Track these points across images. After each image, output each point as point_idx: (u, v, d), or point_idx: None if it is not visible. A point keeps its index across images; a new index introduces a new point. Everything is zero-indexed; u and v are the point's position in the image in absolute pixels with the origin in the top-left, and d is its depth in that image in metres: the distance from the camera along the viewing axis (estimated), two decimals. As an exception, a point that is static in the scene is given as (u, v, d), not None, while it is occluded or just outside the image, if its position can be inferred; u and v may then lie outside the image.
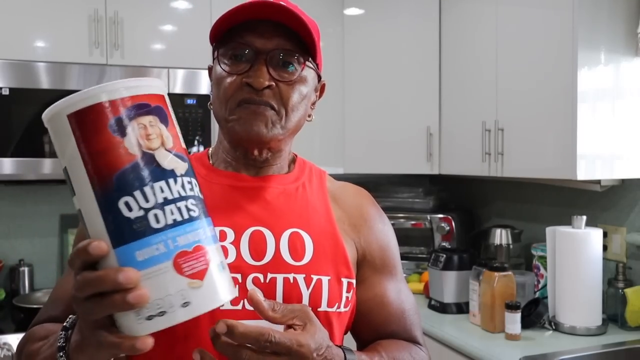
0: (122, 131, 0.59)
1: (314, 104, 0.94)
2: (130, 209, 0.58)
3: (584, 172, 1.95)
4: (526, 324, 1.97)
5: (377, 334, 0.95)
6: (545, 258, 2.12)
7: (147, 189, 0.59)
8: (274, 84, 0.84)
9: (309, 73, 0.89)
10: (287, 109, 0.85)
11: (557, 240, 2.01)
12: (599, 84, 1.96)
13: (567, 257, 1.98)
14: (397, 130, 2.73)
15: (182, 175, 0.62)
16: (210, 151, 0.96)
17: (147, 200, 0.58)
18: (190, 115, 2.44)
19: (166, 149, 0.61)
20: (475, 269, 2.17)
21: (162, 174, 0.60)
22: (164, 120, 0.62)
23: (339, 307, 0.87)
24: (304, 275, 0.84)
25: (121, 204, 0.58)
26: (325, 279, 0.86)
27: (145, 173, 0.59)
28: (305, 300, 0.84)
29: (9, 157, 2.25)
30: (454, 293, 2.26)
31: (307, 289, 0.84)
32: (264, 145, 0.87)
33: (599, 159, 1.98)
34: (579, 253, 1.95)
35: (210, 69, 0.92)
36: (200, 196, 0.64)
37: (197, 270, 0.60)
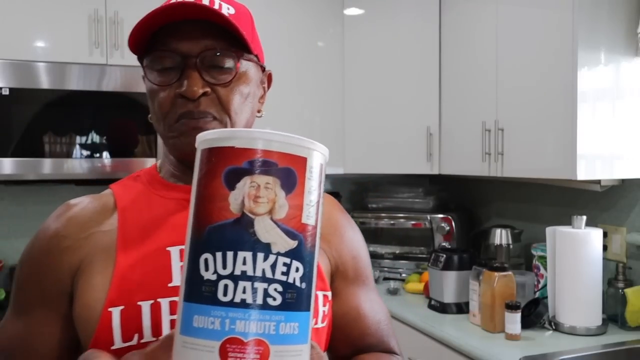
0: (232, 184, 0.53)
1: (262, 97, 0.87)
2: (207, 269, 0.53)
3: (584, 172, 1.95)
4: (526, 324, 1.97)
5: (354, 348, 0.92)
6: (545, 258, 2.12)
7: (229, 254, 0.52)
8: (209, 89, 0.76)
9: (248, 68, 0.80)
10: (230, 113, 0.77)
11: (557, 240, 2.01)
12: (599, 84, 1.96)
13: (567, 257, 1.98)
14: (397, 130, 2.73)
15: (279, 254, 0.53)
16: (158, 164, 0.88)
17: (224, 267, 0.52)
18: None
19: (272, 219, 0.53)
20: (475, 269, 2.16)
21: (253, 244, 0.52)
22: (289, 186, 0.54)
23: (316, 323, 0.80)
24: None
25: (202, 260, 0.53)
26: None
27: (235, 237, 0.52)
28: None
29: (9, 157, 2.25)
30: (454, 293, 2.26)
31: None
32: None
33: (599, 159, 1.98)
34: (579, 253, 1.95)
35: (144, 79, 0.82)
36: (300, 286, 0.54)
37: None
